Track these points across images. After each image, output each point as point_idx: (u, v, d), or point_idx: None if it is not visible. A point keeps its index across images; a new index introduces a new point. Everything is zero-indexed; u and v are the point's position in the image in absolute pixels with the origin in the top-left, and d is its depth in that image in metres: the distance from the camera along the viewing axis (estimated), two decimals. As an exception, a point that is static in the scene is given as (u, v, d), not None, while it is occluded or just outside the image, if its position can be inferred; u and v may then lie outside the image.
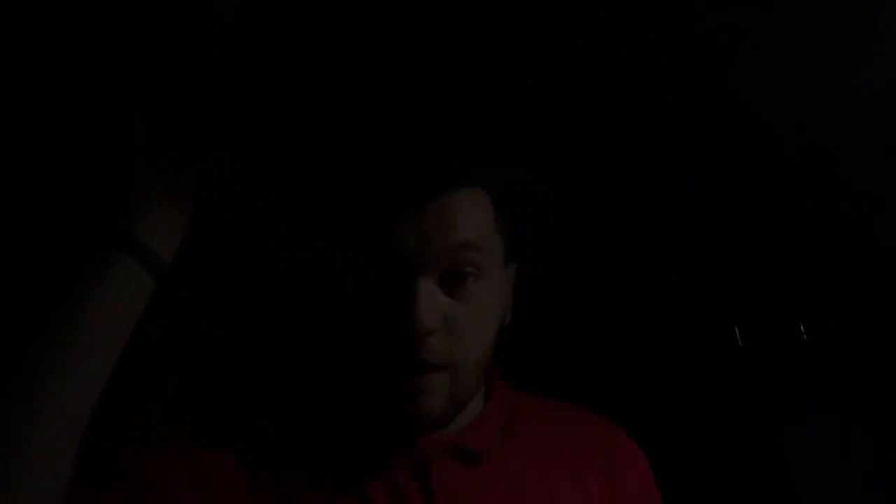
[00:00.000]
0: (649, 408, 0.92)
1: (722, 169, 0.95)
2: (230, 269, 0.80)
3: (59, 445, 0.49)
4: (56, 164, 0.70)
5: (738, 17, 0.82)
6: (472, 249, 0.58)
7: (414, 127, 0.62)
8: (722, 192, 0.97)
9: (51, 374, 0.49)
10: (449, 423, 0.62)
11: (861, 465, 0.94)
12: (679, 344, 1.02)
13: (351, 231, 0.58)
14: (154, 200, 0.54)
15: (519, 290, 0.68)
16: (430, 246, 0.56)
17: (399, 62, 0.77)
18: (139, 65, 0.59)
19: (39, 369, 0.49)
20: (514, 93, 0.86)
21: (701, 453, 0.99)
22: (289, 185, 0.68)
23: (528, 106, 0.87)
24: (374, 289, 0.57)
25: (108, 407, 0.51)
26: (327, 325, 0.61)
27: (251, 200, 0.74)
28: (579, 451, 0.68)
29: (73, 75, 0.67)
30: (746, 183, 0.95)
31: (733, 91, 0.89)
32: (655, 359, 1.02)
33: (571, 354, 0.99)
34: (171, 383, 0.73)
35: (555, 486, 0.65)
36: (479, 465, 0.64)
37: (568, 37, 0.82)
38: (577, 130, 0.93)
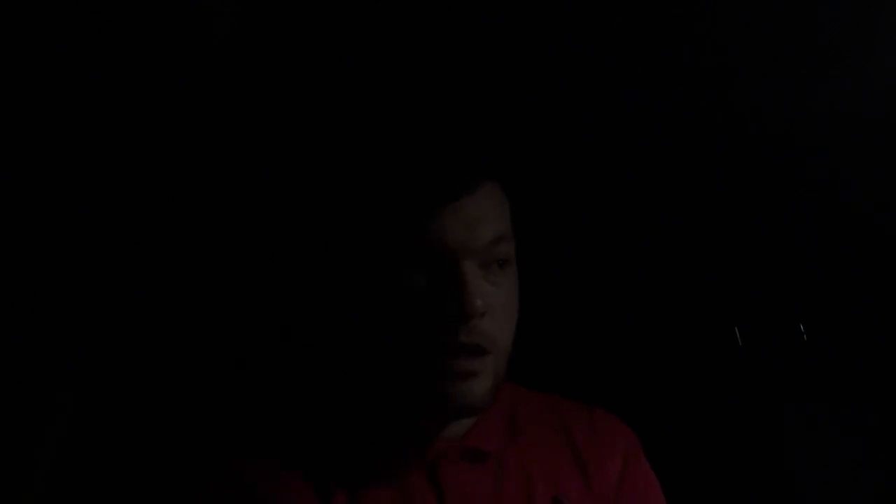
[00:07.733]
0: (650, 408, 0.92)
1: (722, 170, 0.95)
2: (275, 260, 0.80)
3: None
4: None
5: (740, 17, 0.82)
6: (506, 240, 0.61)
7: (455, 123, 0.64)
8: (723, 193, 0.97)
9: None
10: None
11: (861, 463, 0.95)
12: (679, 344, 1.03)
13: (397, 222, 0.59)
14: None
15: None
16: (473, 235, 0.58)
17: (436, 61, 0.78)
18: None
19: None
20: (526, 93, 0.86)
21: (701, 453, 0.99)
22: (333, 180, 0.68)
23: (534, 104, 0.88)
24: (422, 278, 0.58)
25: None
26: (377, 318, 0.61)
27: (295, 193, 0.74)
28: (580, 445, 0.69)
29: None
30: (747, 183, 0.96)
31: (734, 92, 0.89)
32: (655, 359, 1.02)
33: (572, 355, 0.99)
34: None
35: (560, 482, 0.66)
36: (487, 464, 0.64)
37: (572, 37, 0.82)
38: (575, 130, 0.93)
